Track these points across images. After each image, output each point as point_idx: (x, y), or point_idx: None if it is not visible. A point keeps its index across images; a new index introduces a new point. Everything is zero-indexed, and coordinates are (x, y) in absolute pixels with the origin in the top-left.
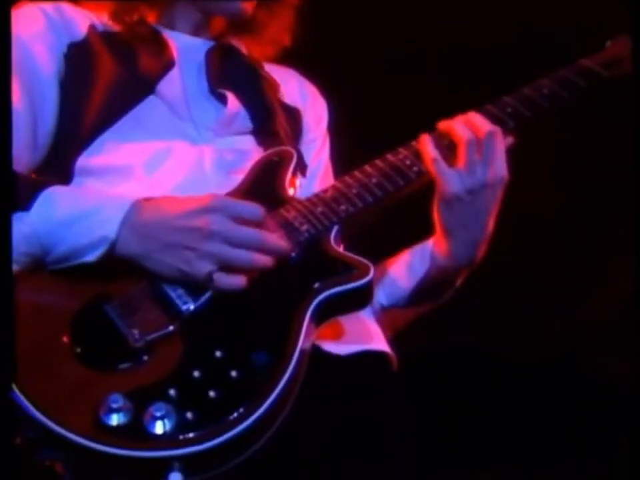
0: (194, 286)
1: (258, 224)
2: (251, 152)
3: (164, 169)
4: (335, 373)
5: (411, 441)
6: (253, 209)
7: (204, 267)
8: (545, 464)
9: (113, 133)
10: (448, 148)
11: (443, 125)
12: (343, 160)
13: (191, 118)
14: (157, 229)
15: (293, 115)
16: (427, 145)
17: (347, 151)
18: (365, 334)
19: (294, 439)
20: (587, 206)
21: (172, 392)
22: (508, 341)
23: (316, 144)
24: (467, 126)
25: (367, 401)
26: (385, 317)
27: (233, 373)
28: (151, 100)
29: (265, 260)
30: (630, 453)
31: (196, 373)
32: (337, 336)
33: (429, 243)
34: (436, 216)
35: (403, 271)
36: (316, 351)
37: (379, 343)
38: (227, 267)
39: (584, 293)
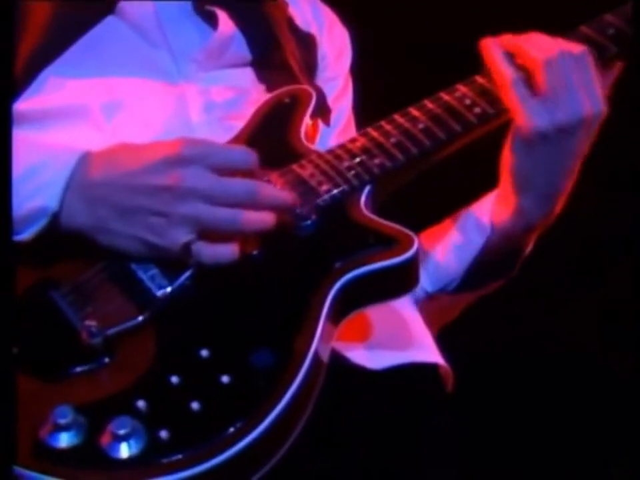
0: (171, 263)
1: (250, 174)
2: (249, 91)
3: (130, 114)
4: (367, 395)
5: None
6: (241, 154)
7: (179, 236)
8: (548, 465)
9: (58, 66)
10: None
11: (509, 42)
12: (367, 113)
13: (167, 45)
14: (113, 190)
15: (306, 43)
16: (501, 62)
17: (374, 101)
18: (407, 337)
19: None
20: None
21: (141, 404)
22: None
23: (335, 85)
24: (542, 46)
25: (412, 435)
26: (429, 307)
27: (224, 379)
28: (110, 22)
29: (260, 218)
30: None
31: (174, 379)
32: (369, 340)
33: (484, 203)
34: (509, 162)
35: (452, 244)
36: (339, 362)
37: (429, 350)
38: (211, 234)
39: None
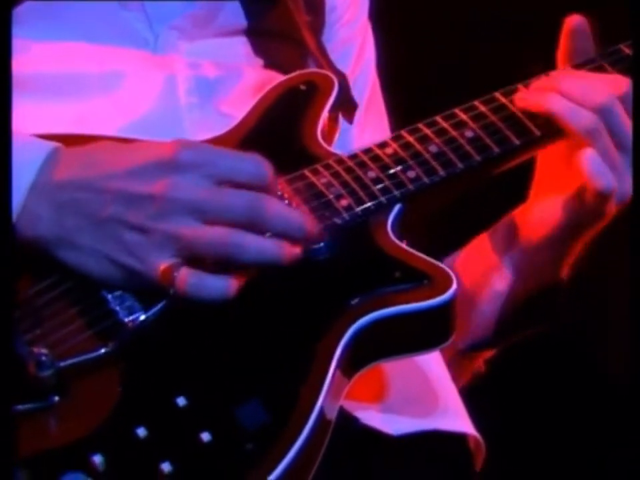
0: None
1: (261, 190)
2: (242, 69)
3: (105, 88)
4: (380, 463)
5: None
6: (254, 165)
7: (159, 258)
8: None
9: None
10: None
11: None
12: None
13: (142, 6)
14: (85, 194)
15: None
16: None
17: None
18: (431, 398)
19: None
20: None
21: (97, 459)
22: None
23: (352, 47)
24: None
25: None
26: (456, 368)
27: (204, 436)
28: None
29: (262, 245)
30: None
31: (141, 431)
32: (384, 400)
33: (496, 239)
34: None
35: (472, 292)
36: (347, 423)
37: (457, 416)
38: (201, 261)
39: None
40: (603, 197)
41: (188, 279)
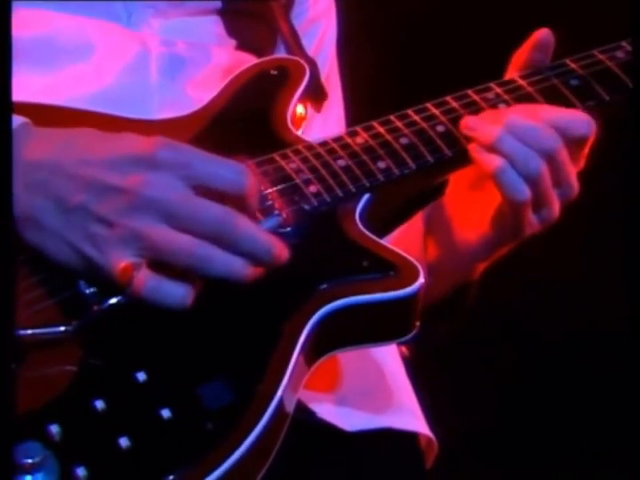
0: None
1: (238, 200)
2: (215, 50)
3: (72, 60)
4: (334, 459)
5: None
6: (233, 172)
7: (120, 255)
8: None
9: None
10: None
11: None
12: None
13: None
14: (58, 177)
15: None
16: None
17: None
18: (385, 395)
19: None
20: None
21: (54, 429)
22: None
23: (319, 26)
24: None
25: None
26: None
27: (164, 412)
28: None
29: (237, 268)
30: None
31: (99, 404)
32: (339, 392)
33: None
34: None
35: None
36: (302, 415)
37: (410, 414)
38: (162, 264)
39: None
40: (518, 208)
41: (146, 281)
